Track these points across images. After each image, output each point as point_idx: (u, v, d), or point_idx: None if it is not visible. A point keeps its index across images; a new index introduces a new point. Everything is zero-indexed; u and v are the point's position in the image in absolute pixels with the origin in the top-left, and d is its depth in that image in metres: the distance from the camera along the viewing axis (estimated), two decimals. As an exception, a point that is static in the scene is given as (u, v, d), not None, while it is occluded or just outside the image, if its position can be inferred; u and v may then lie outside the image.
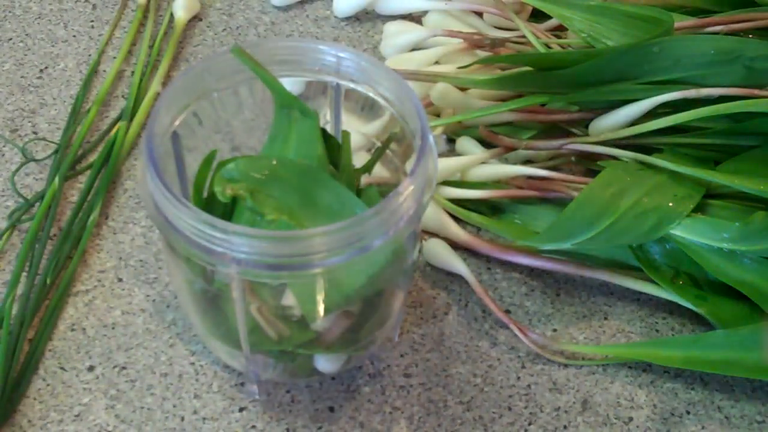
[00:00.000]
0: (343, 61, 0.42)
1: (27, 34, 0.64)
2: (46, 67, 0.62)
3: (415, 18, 0.63)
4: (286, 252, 0.36)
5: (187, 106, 0.41)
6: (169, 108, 0.40)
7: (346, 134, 0.43)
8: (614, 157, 0.51)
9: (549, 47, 0.57)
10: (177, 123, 0.41)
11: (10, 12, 0.65)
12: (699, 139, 0.52)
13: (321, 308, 0.40)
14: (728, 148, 0.51)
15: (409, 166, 0.41)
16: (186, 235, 0.36)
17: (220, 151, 0.43)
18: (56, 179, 0.53)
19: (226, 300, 0.41)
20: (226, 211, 0.41)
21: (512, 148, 0.53)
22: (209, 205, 0.41)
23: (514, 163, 0.54)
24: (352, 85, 0.43)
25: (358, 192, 0.43)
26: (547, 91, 0.53)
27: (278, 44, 0.42)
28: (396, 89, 0.41)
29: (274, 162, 0.40)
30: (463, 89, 0.55)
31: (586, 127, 0.53)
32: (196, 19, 0.65)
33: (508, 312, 0.49)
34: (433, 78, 0.55)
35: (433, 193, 0.39)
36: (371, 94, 0.42)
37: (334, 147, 0.43)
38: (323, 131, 0.42)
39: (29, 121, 0.58)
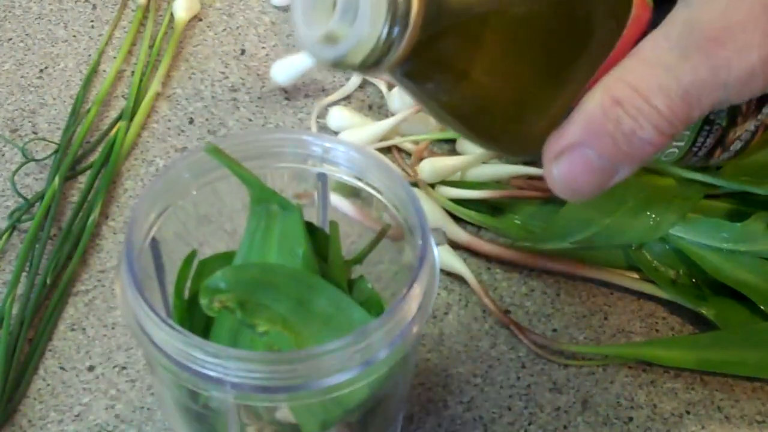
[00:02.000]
0: (330, 152, 0.40)
1: (27, 34, 0.64)
2: (46, 67, 0.62)
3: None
4: (286, 374, 0.33)
5: (165, 208, 0.39)
6: (147, 214, 0.38)
7: (334, 225, 0.41)
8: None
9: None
10: (156, 228, 0.39)
11: (10, 12, 0.65)
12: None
13: (320, 425, 0.38)
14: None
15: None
16: (175, 359, 0.34)
17: (202, 248, 0.41)
18: (56, 179, 0.53)
19: (217, 417, 0.38)
20: (210, 316, 0.39)
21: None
22: (191, 309, 0.39)
23: (514, 163, 0.54)
24: (339, 176, 0.41)
25: (349, 283, 0.41)
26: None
27: (260, 137, 0.40)
28: (389, 181, 0.39)
29: (263, 268, 0.37)
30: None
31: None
32: (196, 19, 0.65)
33: (508, 312, 0.49)
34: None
35: (436, 293, 0.37)
36: (361, 185, 0.40)
37: (321, 239, 0.41)
38: (309, 224, 0.40)
39: (29, 121, 0.58)
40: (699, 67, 0.29)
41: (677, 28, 0.30)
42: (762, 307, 0.46)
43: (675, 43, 0.30)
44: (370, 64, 0.29)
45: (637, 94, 0.30)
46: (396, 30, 0.28)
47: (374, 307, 0.41)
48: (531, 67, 0.31)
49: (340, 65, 0.29)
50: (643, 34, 0.31)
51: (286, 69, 0.59)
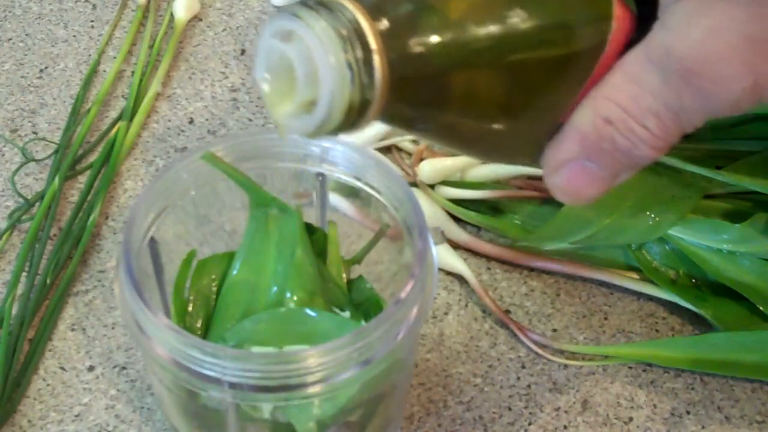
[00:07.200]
0: (329, 151, 0.40)
1: (27, 34, 0.64)
2: (46, 67, 0.62)
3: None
4: (283, 373, 0.33)
5: (163, 209, 0.39)
6: (146, 214, 0.38)
7: (332, 225, 0.42)
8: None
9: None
10: (154, 228, 0.39)
11: (10, 12, 0.65)
12: (698, 145, 0.52)
13: (318, 424, 0.38)
14: (728, 153, 0.51)
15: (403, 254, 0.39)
16: (173, 359, 0.34)
17: (201, 248, 0.41)
18: (56, 179, 0.53)
19: (216, 416, 0.38)
20: (208, 313, 0.40)
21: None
22: (190, 308, 0.40)
23: (514, 164, 0.54)
24: (337, 176, 0.41)
25: (349, 283, 0.41)
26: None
27: (260, 137, 0.40)
28: (387, 181, 0.39)
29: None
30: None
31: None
32: (196, 19, 0.65)
33: (508, 312, 0.49)
34: None
35: (435, 290, 0.37)
36: (360, 185, 0.41)
37: (320, 239, 0.41)
38: (308, 224, 0.40)
39: (29, 121, 0.58)
40: (683, 95, 0.30)
41: (657, 51, 0.30)
42: (761, 308, 0.46)
43: (657, 66, 0.30)
44: (351, 123, 0.28)
45: (627, 115, 0.30)
46: (365, 79, 0.27)
47: (373, 306, 0.41)
48: (517, 94, 0.30)
49: (322, 130, 0.28)
50: (627, 43, 0.31)
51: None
